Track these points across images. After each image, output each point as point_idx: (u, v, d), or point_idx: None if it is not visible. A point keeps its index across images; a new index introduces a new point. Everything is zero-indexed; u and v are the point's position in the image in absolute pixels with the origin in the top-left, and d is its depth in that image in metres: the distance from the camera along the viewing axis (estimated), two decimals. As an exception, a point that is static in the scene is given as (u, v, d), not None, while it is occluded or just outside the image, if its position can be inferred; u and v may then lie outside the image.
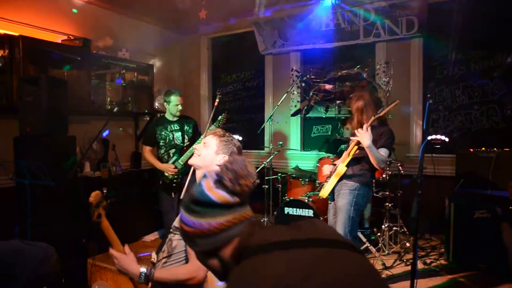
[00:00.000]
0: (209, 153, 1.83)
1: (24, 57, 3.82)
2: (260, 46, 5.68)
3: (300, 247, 0.93)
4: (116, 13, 5.17)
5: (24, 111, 3.59)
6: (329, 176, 3.04)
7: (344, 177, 2.93)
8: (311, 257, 0.91)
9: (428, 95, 2.70)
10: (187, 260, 1.70)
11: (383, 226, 3.92)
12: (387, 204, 3.94)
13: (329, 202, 3.14)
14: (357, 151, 2.88)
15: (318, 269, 0.88)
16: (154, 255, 1.92)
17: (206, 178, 1.06)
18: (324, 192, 2.99)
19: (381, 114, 2.76)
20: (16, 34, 3.83)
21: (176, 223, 1.80)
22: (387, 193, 3.94)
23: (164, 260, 1.79)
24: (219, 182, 1.03)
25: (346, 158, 2.93)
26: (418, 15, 4.48)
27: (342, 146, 4.44)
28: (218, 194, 1.01)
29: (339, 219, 2.88)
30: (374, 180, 3.15)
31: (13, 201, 3.66)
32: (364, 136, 2.74)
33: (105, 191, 1.81)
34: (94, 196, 1.75)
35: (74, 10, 4.59)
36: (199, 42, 6.35)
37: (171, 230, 1.82)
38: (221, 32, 6.16)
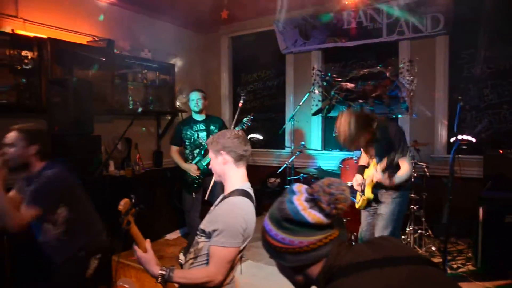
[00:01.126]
0: (215, 163, 1.89)
1: (52, 59, 3.90)
2: (281, 45, 5.65)
3: (387, 265, 0.96)
4: (138, 14, 5.23)
5: (52, 112, 3.67)
6: (361, 190, 2.97)
7: (382, 187, 2.84)
8: (399, 275, 0.94)
9: (459, 97, 2.62)
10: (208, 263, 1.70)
11: (407, 229, 3.86)
12: (412, 206, 3.87)
13: (362, 209, 3.06)
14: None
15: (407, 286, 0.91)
16: (182, 256, 1.94)
17: (296, 195, 1.06)
18: (361, 205, 2.97)
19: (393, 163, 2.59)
20: (45, 36, 3.91)
21: (202, 225, 1.81)
22: (412, 195, 3.87)
23: (191, 262, 1.81)
24: (314, 201, 1.03)
25: (370, 184, 2.84)
26: (444, 11, 4.37)
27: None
28: (313, 215, 1.00)
29: (380, 226, 2.81)
30: (411, 182, 3.07)
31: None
32: (384, 181, 2.67)
33: (133, 199, 1.83)
34: (123, 204, 1.77)
35: (101, 17, 4.69)
36: (220, 41, 6.37)
37: (197, 232, 1.83)
38: (242, 31, 6.16)
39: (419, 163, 3.93)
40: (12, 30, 3.81)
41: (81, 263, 2.25)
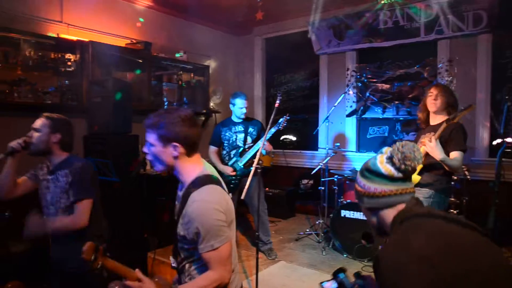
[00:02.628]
0: (162, 153, 1.58)
1: (93, 61, 4.06)
2: (315, 45, 5.62)
3: (460, 224, 1.16)
4: (174, 17, 5.35)
5: (93, 111, 3.81)
6: None
7: (416, 185, 2.72)
8: (467, 235, 1.15)
9: (507, 97, 2.51)
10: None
11: (446, 234, 3.72)
12: (452, 210, 3.73)
13: None
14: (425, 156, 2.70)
15: (451, 247, 1.08)
16: (172, 259, 1.74)
17: (381, 153, 1.34)
18: None
19: (454, 121, 2.55)
20: (87, 40, 4.08)
21: (181, 231, 1.59)
22: (452, 199, 3.73)
23: (188, 266, 1.65)
24: (390, 158, 1.28)
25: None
26: (487, 8, 4.19)
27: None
28: (386, 168, 1.27)
29: None
30: (451, 185, 2.91)
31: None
32: (434, 150, 2.55)
33: (95, 240, 1.60)
34: (86, 250, 1.47)
35: (141, 19, 4.82)
36: (253, 43, 6.41)
37: (178, 238, 1.63)
38: (275, 33, 6.17)
39: (459, 166, 3.79)
40: (57, 34, 4.00)
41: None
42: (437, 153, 2.55)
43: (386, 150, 1.33)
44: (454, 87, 4.54)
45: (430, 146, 2.56)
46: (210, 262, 1.52)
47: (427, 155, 2.65)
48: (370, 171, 1.31)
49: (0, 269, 3.22)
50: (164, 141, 1.54)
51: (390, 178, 1.27)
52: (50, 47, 3.94)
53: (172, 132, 1.52)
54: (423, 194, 2.73)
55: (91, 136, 3.85)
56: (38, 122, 2.20)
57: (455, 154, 2.64)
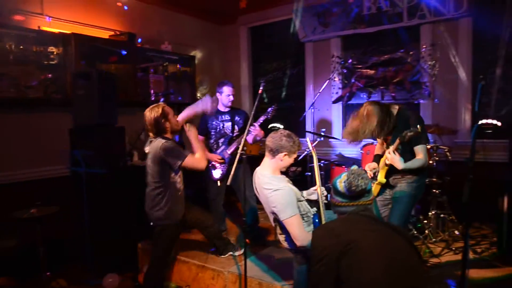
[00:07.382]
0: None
1: (76, 53, 4.03)
2: (300, 33, 5.63)
3: (371, 222, 1.81)
4: (158, 7, 5.31)
5: (77, 104, 3.80)
6: (374, 175, 2.94)
7: (399, 172, 2.75)
8: (359, 222, 1.79)
9: (481, 76, 2.57)
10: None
11: (429, 214, 3.81)
12: (434, 190, 3.82)
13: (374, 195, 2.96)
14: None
15: (353, 225, 1.77)
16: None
17: (347, 172, 1.88)
18: (374, 191, 2.87)
19: (405, 140, 2.59)
20: (69, 32, 4.04)
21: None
22: (434, 179, 3.82)
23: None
24: (345, 181, 1.85)
25: (383, 168, 2.81)
26: (467, -7, 4.25)
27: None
28: (341, 187, 1.84)
29: (395, 210, 2.77)
30: (428, 170, 3.01)
31: (69, 190, 3.91)
32: (394, 161, 2.64)
33: None
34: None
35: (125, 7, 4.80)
36: (238, 32, 6.40)
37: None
38: (260, 21, 6.17)
39: (441, 147, 3.86)
40: (38, 27, 3.95)
41: None
42: (398, 164, 2.64)
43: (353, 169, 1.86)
44: (437, 71, 4.61)
45: (389, 159, 2.66)
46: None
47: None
48: (334, 186, 1.87)
49: None
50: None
51: (342, 195, 1.83)
52: (31, 40, 3.89)
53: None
54: (406, 179, 2.77)
55: (77, 129, 3.85)
56: None
57: (417, 151, 2.70)
